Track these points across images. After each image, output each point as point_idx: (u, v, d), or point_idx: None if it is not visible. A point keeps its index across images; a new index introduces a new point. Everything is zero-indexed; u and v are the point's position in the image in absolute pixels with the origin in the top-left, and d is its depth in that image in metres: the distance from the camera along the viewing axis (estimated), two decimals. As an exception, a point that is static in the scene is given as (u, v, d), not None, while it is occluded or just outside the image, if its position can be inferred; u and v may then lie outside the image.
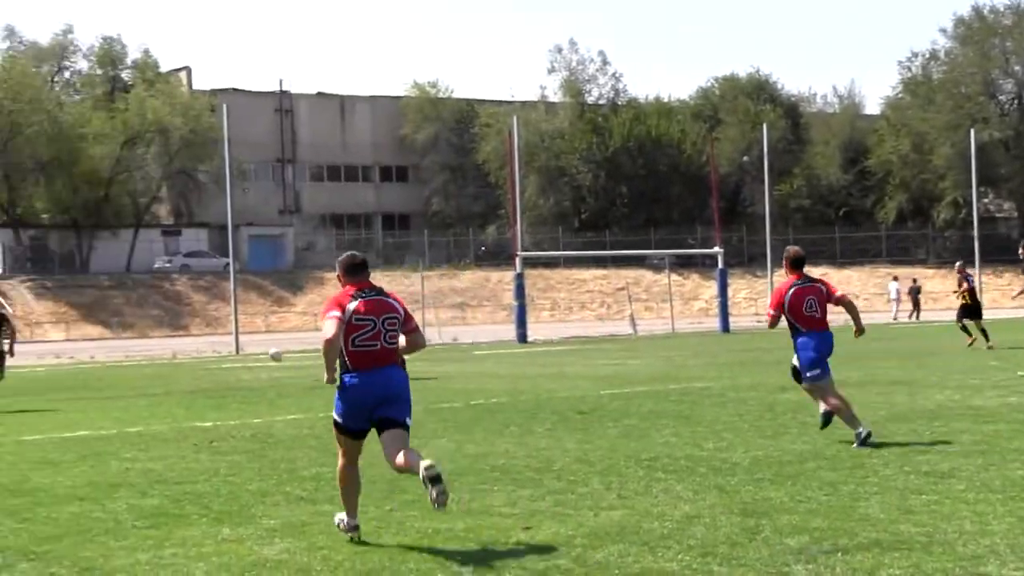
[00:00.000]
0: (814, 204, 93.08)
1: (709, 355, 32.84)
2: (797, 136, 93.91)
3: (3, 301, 25.14)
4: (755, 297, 78.01)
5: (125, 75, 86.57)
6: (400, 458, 8.71)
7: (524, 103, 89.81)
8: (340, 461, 9.25)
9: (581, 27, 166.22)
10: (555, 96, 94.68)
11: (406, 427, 8.95)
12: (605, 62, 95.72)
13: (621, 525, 9.28)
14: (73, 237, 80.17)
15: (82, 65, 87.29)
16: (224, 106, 50.52)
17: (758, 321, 59.72)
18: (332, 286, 79.27)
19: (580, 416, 17.19)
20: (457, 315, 73.11)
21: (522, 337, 45.99)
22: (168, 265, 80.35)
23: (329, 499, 10.84)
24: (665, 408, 17.97)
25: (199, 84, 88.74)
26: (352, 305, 8.88)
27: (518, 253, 48.32)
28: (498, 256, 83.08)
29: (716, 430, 15.14)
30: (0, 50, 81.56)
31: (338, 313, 8.82)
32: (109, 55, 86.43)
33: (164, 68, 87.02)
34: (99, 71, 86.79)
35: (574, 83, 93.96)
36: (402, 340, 9.12)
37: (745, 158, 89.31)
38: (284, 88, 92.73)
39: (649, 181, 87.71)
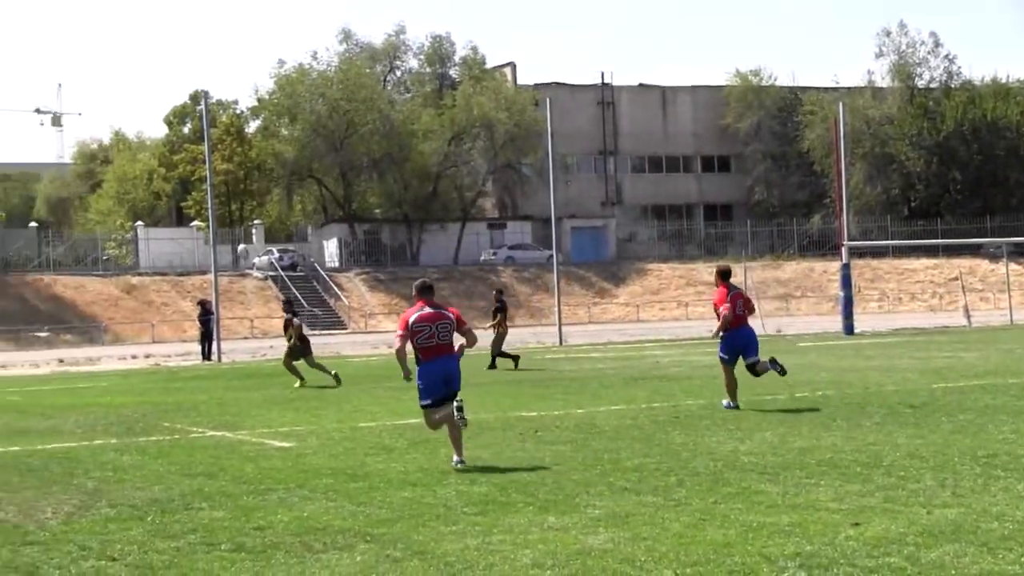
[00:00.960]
0: None
1: (1049, 348, 31.28)
2: None
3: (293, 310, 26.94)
4: (1100, 287, 73.84)
5: (452, 72, 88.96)
6: (452, 418, 12.64)
7: (850, 88, 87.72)
8: (434, 431, 13.48)
9: (910, 9, 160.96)
10: (883, 81, 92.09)
11: (456, 394, 12.86)
12: (937, 44, 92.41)
13: (956, 524, 8.94)
14: (404, 231, 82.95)
15: (412, 64, 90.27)
16: (547, 100, 51.24)
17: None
18: (654, 277, 79.79)
19: (911, 410, 16.66)
20: (780, 306, 72.05)
21: (848, 329, 44.89)
22: (493, 257, 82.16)
23: (652, 490, 10.85)
24: (1004, 403, 17.21)
25: (523, 79, 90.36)
26: (412, 318, 12.80)
27: (844, 243, 47.15)
28: (823, 246, 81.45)
29: (1058, 427, 14.41)
30: (337, 52, 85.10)
31: (401, 331, 12.94)
32: (438, 53, 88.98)
33: (490, 64, 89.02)
34: (428, 69, 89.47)
35: (903, 67, 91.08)
36: (461, 339, 13.17)
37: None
38: (606, 81, 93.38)
39: (985, 166, 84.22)
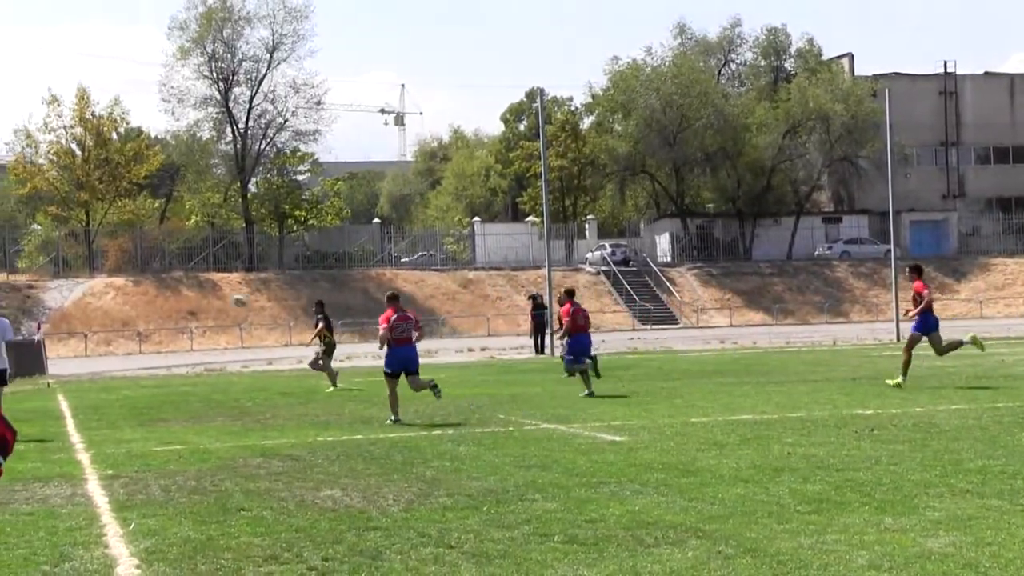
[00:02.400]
0: None
1: None
2: None
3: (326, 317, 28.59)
4: None
5: (788, 65, 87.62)
6: (416, 385, 19.49)
7: None
8: (388, 391, 19.15)
9: None
10: None
11: (417, 372, 19.47)
12: None
13: None
14: (736, 225, 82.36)
15: (747, 57, 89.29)
16: (886, 91, 49.87)
17: None
18: (999, 272, 76.52)
19: None
20: None
21: None
22: (828, 252, 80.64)
23: (997, 493, 10.40)
24: None
25: (861, 70, 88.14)
26: (393, 319, 19.03)
27: None
28: None
29: None
30: (671, 47, 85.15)
31: (384, 326, 19.09)
32: (773, 46, 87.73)
33: (826, 56, 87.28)
34: (763, 62, 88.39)
35: None
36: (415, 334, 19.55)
37: None
38: (948, 70, 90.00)
39: None
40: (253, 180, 77.35)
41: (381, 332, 19.09)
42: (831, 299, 73.42)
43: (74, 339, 59.68)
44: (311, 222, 77.95)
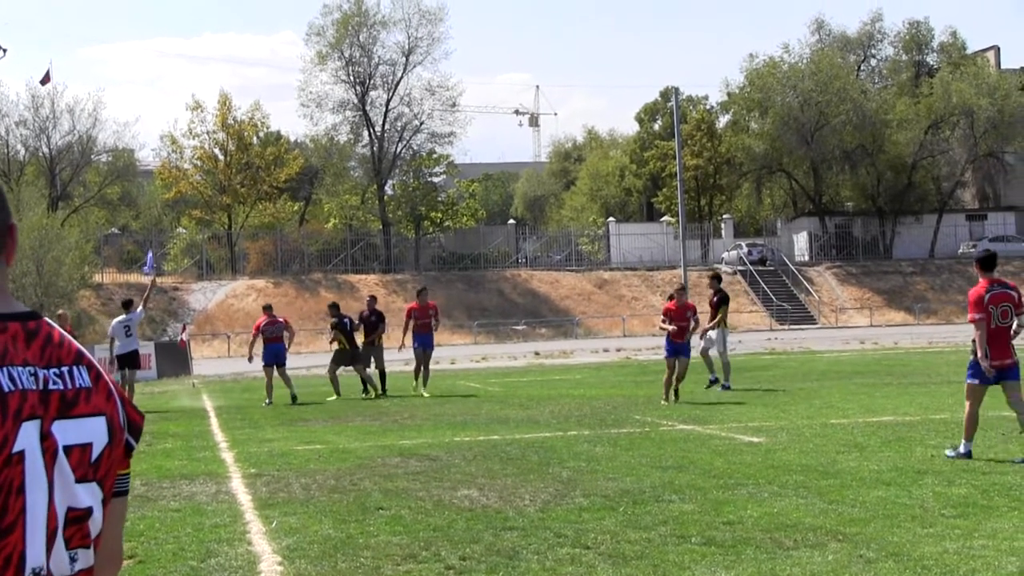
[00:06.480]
0: None
1: None
2: None
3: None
4: None
5: (930, 59, 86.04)
6: (285, 379, 24.88)
7: None
8: (266, 379, 24.96)
9: None
10: None
11: (285, 366, 25.18)
12: None
13: None
14: (876, 223, 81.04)
15: (888, 52, 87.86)
16: (1032, 84, 48.73)
17: None
18: None
19: None
20: None
21: None
22: (972, 250, 78.88)
23: None
24: None
25: (1008, 63, 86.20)
26: (263, 324, 24.99)
27: None
28: None
29: None
30: (809, 43, 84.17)
31: (255, 332, 25.27)
32: (915, 40, 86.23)
33: (971, 49, 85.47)
34: (904, 57, 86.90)
35: None
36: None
37: None
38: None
39: None
40: (390, 182, 78.21)
41: (252, 337, 25.37)
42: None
43: (217, 340, 60.86)
44: (447, 223, 78.55)
